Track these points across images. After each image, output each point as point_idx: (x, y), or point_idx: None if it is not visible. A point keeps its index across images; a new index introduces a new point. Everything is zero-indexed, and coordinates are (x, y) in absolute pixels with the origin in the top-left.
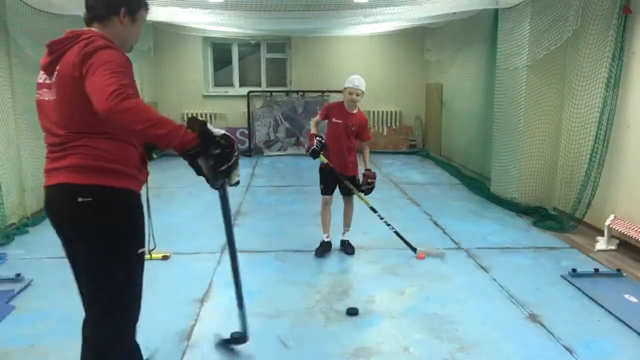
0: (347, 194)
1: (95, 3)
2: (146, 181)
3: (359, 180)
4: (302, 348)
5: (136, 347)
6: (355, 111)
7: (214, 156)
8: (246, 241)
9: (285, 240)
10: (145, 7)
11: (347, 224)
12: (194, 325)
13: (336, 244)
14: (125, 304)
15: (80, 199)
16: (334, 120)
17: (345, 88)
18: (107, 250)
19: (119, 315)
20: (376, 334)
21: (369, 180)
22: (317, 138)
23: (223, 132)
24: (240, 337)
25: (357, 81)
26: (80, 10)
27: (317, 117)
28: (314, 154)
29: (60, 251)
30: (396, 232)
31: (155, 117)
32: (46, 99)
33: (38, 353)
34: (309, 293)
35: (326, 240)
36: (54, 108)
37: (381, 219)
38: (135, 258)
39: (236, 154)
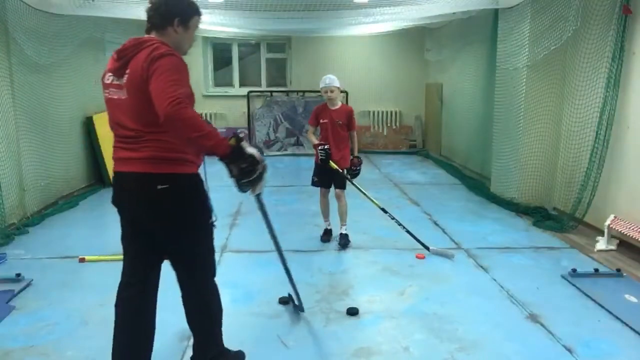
0: (339, 187)
1: (153, 14)
2: (202, 163)
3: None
4: (302, 348)
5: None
6: (338, 106)
7: (240, 169)
8: (246, 241)
9: (285, 240)
10: (197, 14)
11: (343, 220)
12: None
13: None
14: (206, 261)
15: (159, 186)
16: (321, 121)
17: (320, 89)
18: (187, 221)
19: (203, 268)
20: (376, 334)
21: (352, 168)
22: (319, 148)
23: (254, 151)
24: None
25: (328, 80)
26: (79, 10)
27: (310, 128)
28: (324, 164)
29: (60, 251)
30: (408, 231)
31: (205, 129)
32: (116, 97)
33: (38, 353)
34: (309, 293)
35: (328, 228)
36: (127, 105)
37: (392, 218)
38: (209, 226)
39: (259, 172)
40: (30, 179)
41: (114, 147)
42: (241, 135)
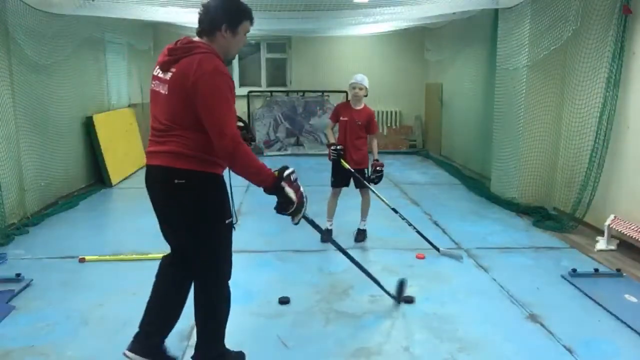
0: (361, 186)
1: (203, 18)
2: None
3: (369, 173)
4: (302, 348)
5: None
6: (360, 107)
7: (278, 202)
8: (246, 241)
9: (285, 240)
10: (245, 19)
11: (363, 215)
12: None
13: (345, 230)
14: (214, 262)
15: (176, 180)
16: (341, 118)
17: (349, 84)
18: (198, 221)
19: (211, 268)
20: (376, 334)
21: (377, 169)
22: (332, 148)
23: (291, 193)
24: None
25: (359, 77)
26: (79, 10)
27: (329, 122)
28: (335, 163)
29: (60, 251)
30: (418, 232)
31: (257, 165)
32: (158, 90)
33: (38, 353)
34: (309, 293)
35: (329, 227)
36: (165, 101)
37: (403, 219)
38: (222, 227)
39: (294, 207)
40: (30, 179)
41: (149, 139)
42: (290, 170)
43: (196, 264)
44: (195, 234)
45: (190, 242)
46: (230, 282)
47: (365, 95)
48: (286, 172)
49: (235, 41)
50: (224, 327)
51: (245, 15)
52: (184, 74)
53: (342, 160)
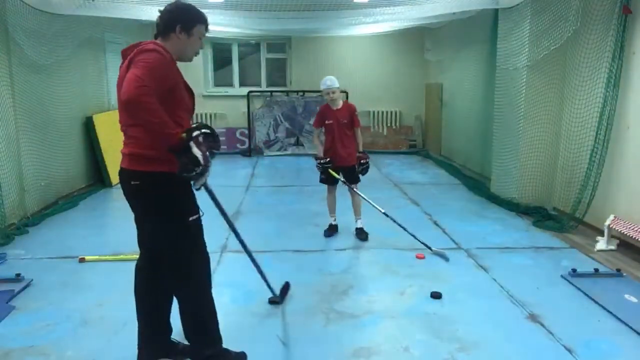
0: (352, 182)
1: (159, 21)
2: None
3: (356, 168)
4: (302, 348)
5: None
6: (340, 106)
7: (182, 163)
8: (246, 241)
9: (285, 240)
10: (200, 22)
11: (357, 213)
12: None
13: (345, 229)
14: (184, 260)
15: (132, 182)
16: (326, 122)
17: (321, 91)
18: (158, 221)
19: (179, 267)
20: (376, 334)
21: (361, 162)
22: (317, 162)
23: (197, 153)
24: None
25: (329, 81)
26: (79, 10)
27: (315, 131)
28: (324, 174)
29: (60, 251)
30: (410, 233)
31: (159, 117)
32: (118, 94)
33: (38, 353)
34: (308, 293)
35: (333, 223)
36: (119, 102)
37: (394, 221)
38: (187, 224)
39: (196, 173)
40: (30, 179)
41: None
42: (202, 131)
43: (165, 264)
44: (158, 234)
45: (156, 242)
46: (230, 282)
47: (342, 92)
48: (195, 132)
49: (189, 42)
50: (213, 327)
51: (199, 19)
52: (126, 64)
53: (331, 171)
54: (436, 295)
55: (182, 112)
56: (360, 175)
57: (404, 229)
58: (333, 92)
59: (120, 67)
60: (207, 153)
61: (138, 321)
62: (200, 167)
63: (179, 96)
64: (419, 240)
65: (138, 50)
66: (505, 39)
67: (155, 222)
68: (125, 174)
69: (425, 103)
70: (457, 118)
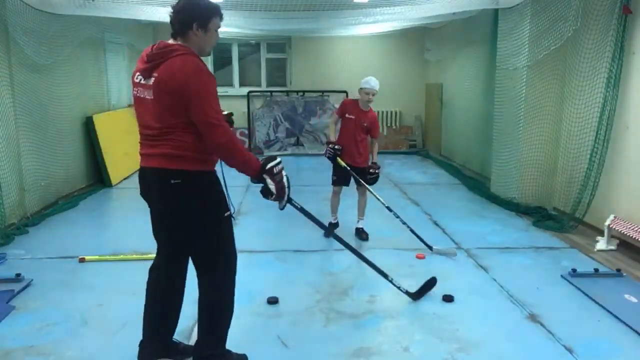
0: (360, 185)
1: (174, 20)
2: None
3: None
4: (302, 348)
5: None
6: (368, 109)
7: (262, 188)
8: (246, 241)
9: (285, 240)
10: (215, 15)
11: (361, 214)
12: (193, 325)
13: (345, 229)
14: (223, 256)
15: (172, 181)
16: (347, 115)
17: (361, 88)
18: (199, 218)
19: (219, 264)
20: (376, 334)
21: (370, 171)
22: (329, 146)
23: (271, 184)
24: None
25: (373, 82)
26: (79, 10)
27: (334, 117)
28: (331, 161)
29: (60, 251)
30: (412, 231)
31: (243, 156)
32: (142, 96)
33: (38, 353)
34: (309, 293)
35: (334, 222)
36: (152, 106)
37: (397, 217)
38: (223, 220)
39: (273, 197)
40: (30, 179)
41: (140, 142)
42: (273, 163)
43: (203, 261)
44: (197, 232)
45: (194, 240)
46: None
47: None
48: (269, 165)
49: (207, 38)
50: (228, 326)
51: (213, 12)
52: (167, 78)
53: (339, 159)
54: (448, 299)
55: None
56: (367, 184)
57: (408, 226)
58: (373, 95)
59: (144, 65)
60: (284, 180)
61: (144, 319)
62: (274, 196)
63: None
64: (421, 240)
65: (185, 73)
66: (505, 39)
67: (196, 220)
68: (161, 173)
69: (425, 103)
70: (457, 118)
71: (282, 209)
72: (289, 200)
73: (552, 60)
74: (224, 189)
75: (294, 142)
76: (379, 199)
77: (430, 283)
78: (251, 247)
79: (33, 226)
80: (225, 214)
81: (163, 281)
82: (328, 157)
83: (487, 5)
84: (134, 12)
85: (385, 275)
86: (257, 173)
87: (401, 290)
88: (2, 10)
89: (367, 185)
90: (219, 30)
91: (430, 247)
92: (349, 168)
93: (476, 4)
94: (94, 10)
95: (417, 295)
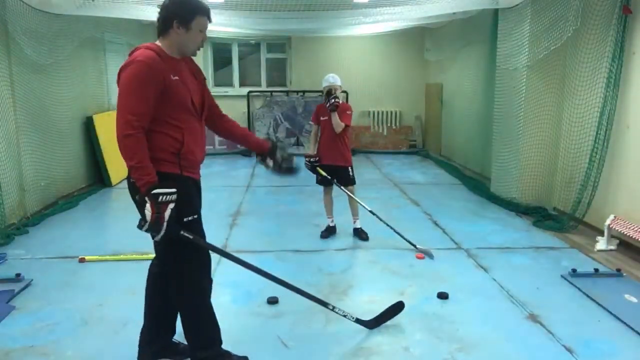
0: (344, 184)
1: (158, 18)
2: (191, 164)
3: (352, 174)
4: (302, 348)
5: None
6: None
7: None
8: (246, 241)
9: (285, 240)
10: (199, 13)
11: (354, 214)
12: None
13: (345, 230)
14: (176, 260)
15: (131, 179)
16: (322, 118)
17: (323, 88)
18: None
19: (173, 267)
20: (376, 334)
21: (332, 99)
22: (306, 160)
23: (147, 213)
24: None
25: (332, 78)
26: (79, 10)
27: (314, 127)
28: (313, 172)
29: (60, 251)
30: (397, 232)
31: (137, 160)
32: None
33: (38, 353)
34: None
35: (331, 225)
36: None
37: (380, 220)
38: (181, 225)
39: (144, 227)
40: (30, 179)
41: None
42: (163, 191)
43: (161, 263)
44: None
45: (155, 242)
46: (230, 282)
47: (343, 92)
48: (156, 190)
49: (189, 36)
50: (208, 328)
51: (197, 10)
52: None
53: (318, 169)
54: (443, 296)
55: (179, 114)
56: (330, 110)
57: (392, 228)
58: (336, 89)
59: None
60: (166, 214)
61: (144, 320)
62: (146, 225)
63: (174, 96)
64: (404, 239)
65: (122, 65)
66: (505, 39)
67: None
68: (128, 173)
69: (425, 103)
70: (457, 118)
71: (156, 240)
72: (174, 234)
73: (552, 60)
74: (195, 193)
75: (294, 142)
76: (363, 205)
77: (396, 309)
78: (251, 247)
79: (33, 226)
80: (185, 219)
81: (159, 283)
82: (309, 170)
83: (487, 5)
84: (134, 12)
85: (325, 304)
86: (143, 190)
87: (349, 319)
88: (2, 10)
89: (346, 190)
90: (221, 31)
91: (414, 245)
92: (329, 177)
93: (476, 4)
94: (94, 10)
95: (374, 324)
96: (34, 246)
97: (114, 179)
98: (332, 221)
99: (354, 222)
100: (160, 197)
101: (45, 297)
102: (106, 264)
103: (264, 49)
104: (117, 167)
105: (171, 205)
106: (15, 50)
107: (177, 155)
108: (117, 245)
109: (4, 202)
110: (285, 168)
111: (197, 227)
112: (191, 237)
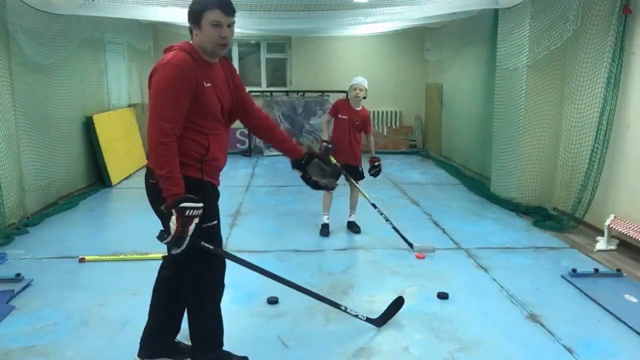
0: (355, 179)
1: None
2: (213, 170)
3: (362, 170)
4: (302, 348)
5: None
6: (359, 108)
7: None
8: (246, 241)
9: (285, 240)
10: (206, 9)
11: (353, 207)
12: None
13: (344, 229)
14: (184, 263)
15: (150, 180)
16: (340, 116)
17: (350, 85)
18: (167, 222)
19: (180, 268)
20: (376, 334)
21: (375, 164)
22: (323, 144)
23: (173, 222)
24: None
25: (360, 79)
26: (79, 10)
27: (327, 117)
28: (324, 155)
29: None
30: (394, 228)
31: (168, 169)
32: None
33: (38, 353)
34: None
35: (326, 222)
36: None
37: (381, 214)
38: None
39: (166, 240)
40: (30, 179)
41: None
42: (189, 205)
43: (174, 266)
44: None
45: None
46: (230, 282)
47: (365, 97)
48: (184, 204)
49: (203, 34)
50: (215, 332)
51: (203, 6)
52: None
53: (331, 157)
54: (443, 296)
55: (208, 122)
56: (373, 177)
57: (391, 223)
58: (360, 90)
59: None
60: (190, 228)
61: (148, 317)
62: (169, 238)
63: (205, 105)
64: (402, 238)
65: (154, 67)
66: (505, 39)
67: (165, 223)
68: (146, 172)
69: (425, 103)
70: (457, 118)
71: (170, 250)
72: (196, 247)
73: (552, 60)
74: (215, 200)
75: (294, 142)
76: (364, 195)
77: (397, 304)
78: (251, 247)
79: (33, 226)
80: (203, 225)
81: (168, 282)
82: (323, 152)
83: (487, 5)
84: (134, 12)
85: (337, 306)
86: (170, 202)
87: (360, 318)
88: (2, 10)
89: (355, 183)
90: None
91: (411, 245)
92: (339, 166)
93: (476, 4)
94: (94, 10)
95: (381, 322)
96: (34, 246)
97: (114, 179)
98: (328, 218)
99: (350, 215)
100: (188, 212)
101: (45, 297)
102: (106, 264)
103: (264, 49)
104: (117, 167)
105: (196, 220)
106: (15, 50)
107: (200, 161)
108: (117, 245)
109: (4, 202)
110: (323, 184)
111: (216, 233)
112: (211, 247)
